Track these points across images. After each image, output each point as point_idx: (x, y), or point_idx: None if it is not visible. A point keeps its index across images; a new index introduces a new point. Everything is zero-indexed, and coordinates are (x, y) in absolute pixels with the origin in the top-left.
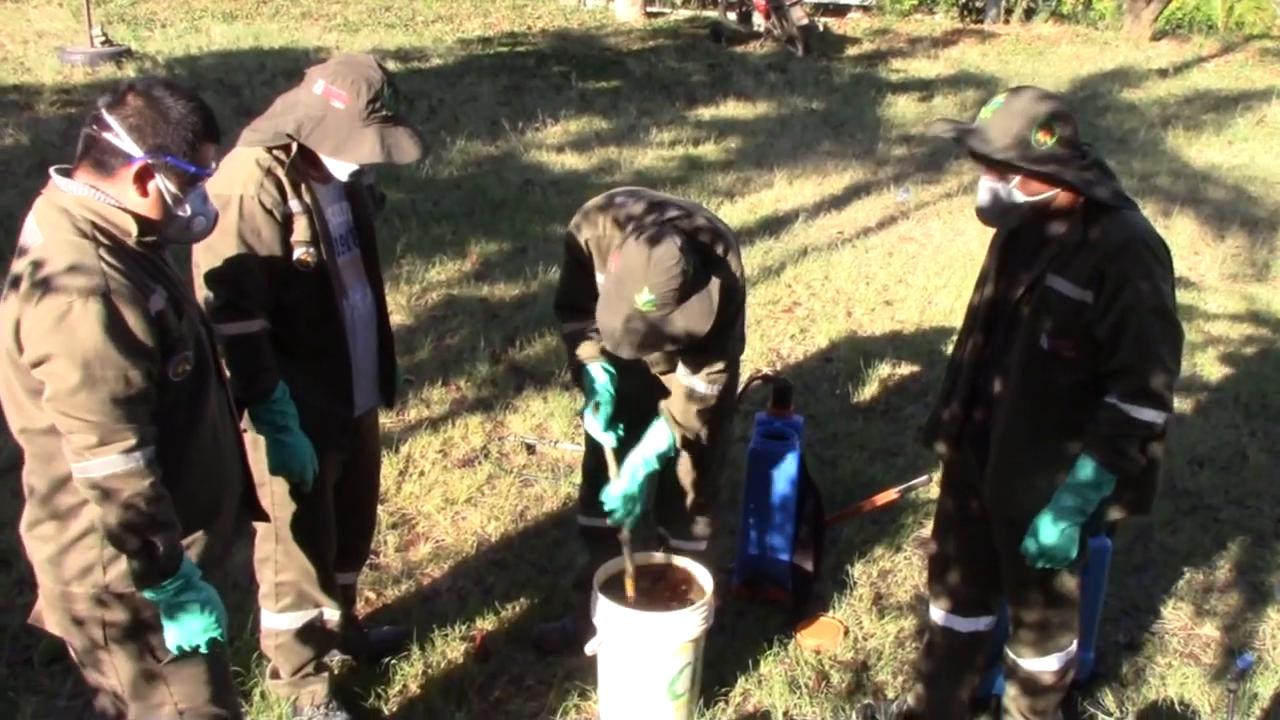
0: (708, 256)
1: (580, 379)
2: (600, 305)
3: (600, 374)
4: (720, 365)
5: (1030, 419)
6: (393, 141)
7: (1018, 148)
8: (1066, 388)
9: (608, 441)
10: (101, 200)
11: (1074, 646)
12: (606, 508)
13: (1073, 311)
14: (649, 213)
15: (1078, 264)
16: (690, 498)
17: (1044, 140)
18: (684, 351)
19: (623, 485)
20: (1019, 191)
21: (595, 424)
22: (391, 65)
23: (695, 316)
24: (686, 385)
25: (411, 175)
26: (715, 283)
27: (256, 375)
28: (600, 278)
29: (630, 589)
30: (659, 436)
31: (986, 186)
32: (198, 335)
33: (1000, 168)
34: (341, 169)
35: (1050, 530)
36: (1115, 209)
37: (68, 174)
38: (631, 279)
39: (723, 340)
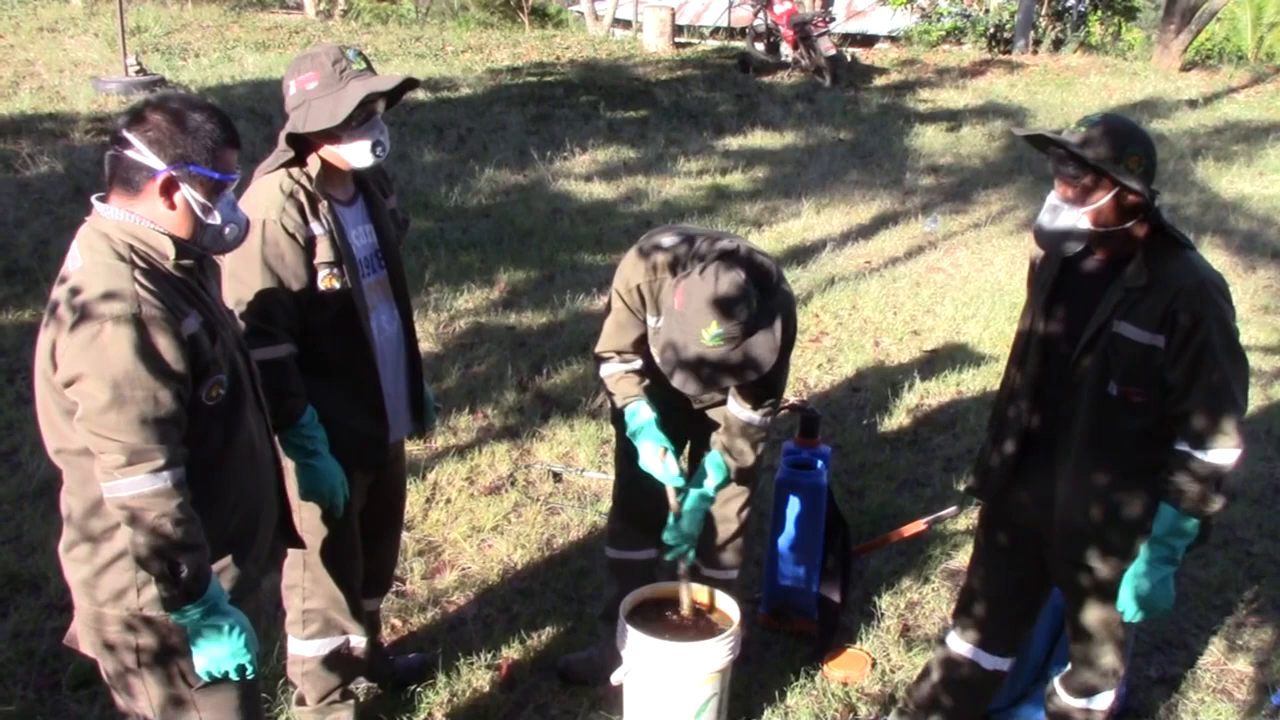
0: (764, 287)
1: (623, 419)
2: (662, 345)
3: (649, 412)
4: (775, 396)
5: (1100, 466)
6: (374, 82)
7: (1110, 164)
8: (1134, 432)
9: (677, 483)
10: (139, 223)
11: (1117, 688)
12: (670, 544)
13: (1142, 356)
14: (699, 246)
15: (1146, 308)
16: (726, 527)
17: (1132, 167)
18: (744, 386)
19: (685, 521)
20: (1087, 218)
21: (662, 467)
22: (421, 95)
23: (762, 349)
24: (743, 420)
25: (440, 204)
26: (778, 315)
27: (284, 400)
28: (652, 320)
29: (686, 610)
30: (715, 471)
31: (1054, 206)
32: (233, 360)
33: (1093, 174)
34: (358, 153)
35: (1144, 583)
36: (1179, 249)
37: (105, 201)
38: (698, 315)
39: (781, 371)
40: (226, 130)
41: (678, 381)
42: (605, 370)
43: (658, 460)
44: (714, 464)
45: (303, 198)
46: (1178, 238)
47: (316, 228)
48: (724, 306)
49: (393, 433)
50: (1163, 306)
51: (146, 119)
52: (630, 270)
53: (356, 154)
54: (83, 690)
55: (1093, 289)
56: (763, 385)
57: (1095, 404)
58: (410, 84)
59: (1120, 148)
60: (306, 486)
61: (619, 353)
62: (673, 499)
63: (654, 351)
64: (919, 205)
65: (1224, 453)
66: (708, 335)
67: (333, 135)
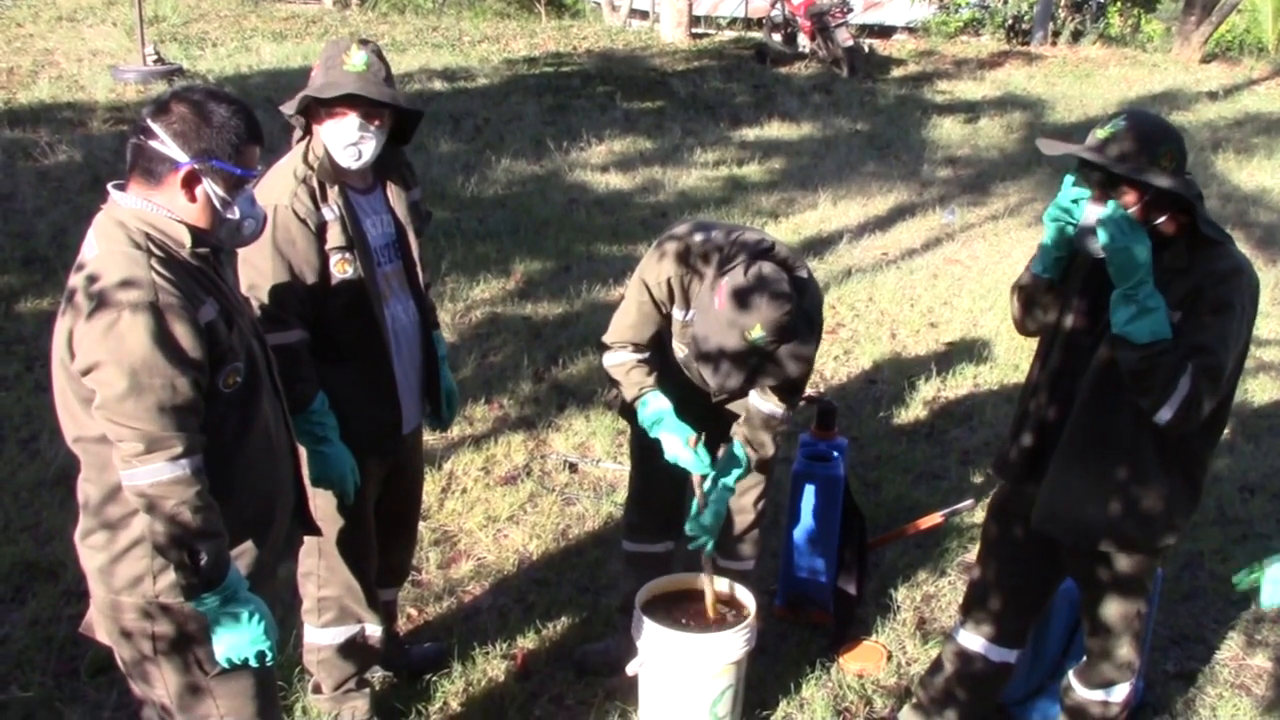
0: (798, 285)
1: (635, 411)
2: (698, 340)
3: (665, 402)
4: (800, 390)
5: (1093, 439)
6: (342, 82)
7: (1138, 168)
8: (1135, 410)
9: (707, 470)
10: (156, 212)
11: (1132, 680)
12: (693, 534)
13: None
14: (729, 240)
15: (1175, 288)
16: (743, 518)
17: (1166, 165)
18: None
19: (708, 511)
20: None
21: (693, 456)
22: (438, 84)
23: (804, 347)
24: (766, 412)
25: (457, 194)
26: (814, 312)
27: (294, 386)
28: (679, 314)
29: (711, 611)
30: (736, 461)
31: (1089, 210)
32: (249, 347)
33: (1123, 184)
34: (335, 145)
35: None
36: (1221, 243)
37: (123, 189)
38: (743, 315)
39: (810, 366)
40: (251, 126)
41: (713, 379)
42: (614, 359)
43: (688, 450)
44: (735, 454)
45: (315, 183)
46: (1211, 235)
47: (328, 213)
48: (768, 306)
49: (406, 422)
50: (1190, 284)
51: (172, 110)
52: (660, 263)
53: (334, 145)
54: (100, 677)
55: None
56: (790, 379)
57: (1102, 378)
58: (370, 101)
59: (1152, 148)
60: (317, 473)
61: (634, 344)
62: (699, 489)
63: (678, 345)
64: (936, 197)
65: (1191, 386)
66: (751, 335)
67: (318, 117)
